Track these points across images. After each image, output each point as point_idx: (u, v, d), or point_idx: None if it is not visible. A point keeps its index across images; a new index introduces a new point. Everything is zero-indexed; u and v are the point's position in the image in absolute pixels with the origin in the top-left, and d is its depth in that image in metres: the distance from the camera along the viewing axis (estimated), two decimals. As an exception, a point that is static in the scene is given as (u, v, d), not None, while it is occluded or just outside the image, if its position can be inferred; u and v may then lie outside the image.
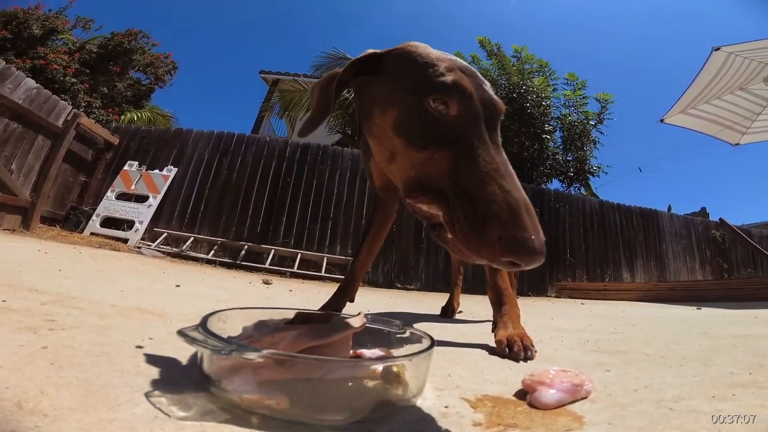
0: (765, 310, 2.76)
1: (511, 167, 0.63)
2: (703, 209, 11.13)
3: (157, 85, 11.06)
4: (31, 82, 4.87)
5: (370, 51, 0.85)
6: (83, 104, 8.30)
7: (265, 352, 0.52)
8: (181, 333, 0.56)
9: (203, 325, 0.60)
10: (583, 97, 8.89)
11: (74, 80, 8.58)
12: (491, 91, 0.75)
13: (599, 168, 8.85)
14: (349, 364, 0.58)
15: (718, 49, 5.35)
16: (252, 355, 0.52)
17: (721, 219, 7.51)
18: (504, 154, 0.65)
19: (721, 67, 5.57)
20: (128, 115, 9.42)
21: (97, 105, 8.82)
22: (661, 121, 6.58)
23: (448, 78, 0.69)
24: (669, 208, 9.28)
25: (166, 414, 0.49)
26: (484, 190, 0.57)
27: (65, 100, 5.86)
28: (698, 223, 8.51)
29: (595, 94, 9.00)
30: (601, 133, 8.94)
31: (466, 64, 0.78)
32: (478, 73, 0.79)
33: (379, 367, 0.60)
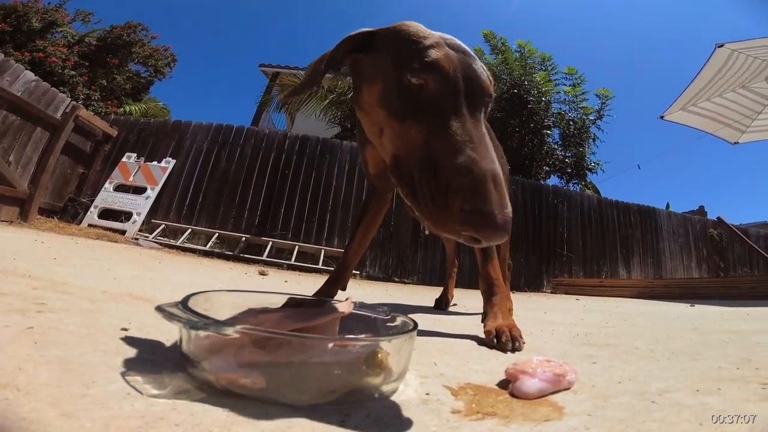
0: (758, 308, 2.77)
1: (488, 140, 0.61)
2: (702, 208, 11.13)
3: (156, 77, 11.07)
4: (29, 75, 4.86)
5: (364, 29, 0.86)
6: (82, 97, 8.30)
7: (240, 327, 0.52)
8: (159, 308, 0.56)
9: (184, 303, 0.60)
10: (582, 93, 8.86)
11: (73, 73, 8.59)
12: (481, 71, 0.74)
13: (597, 164, 8.84)
14: (326, 342, 0.58)
15: (721, 45, 5.31)
16: (228, 330, 0.52)
17: (719, 218, 7.52)
18: (484, 129, 0.64)
19: (723, 65, 5.54)
20: (126, 108, 9.39)
21: (96, 97, 8.83)
22: (661, 117, 6.56)
23: (431, 54, 0.68)
24: (667, 206, 9.29)
25: (139, 391, 0.50)
26: (450, 161, 0.56)
27: (64, 92, 5.85)
28: (696, 221, 8.52)
29: (595, 90, 8.95)
30: (600, 129, 8.91)
31: (458, 42, 0.77)
32: (472, 52, 0.78)
33: (360, 350, 0.60)
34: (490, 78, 0.77)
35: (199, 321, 0.53)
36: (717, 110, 6.40)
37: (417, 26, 0.79)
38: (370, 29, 0.85)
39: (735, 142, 6.81)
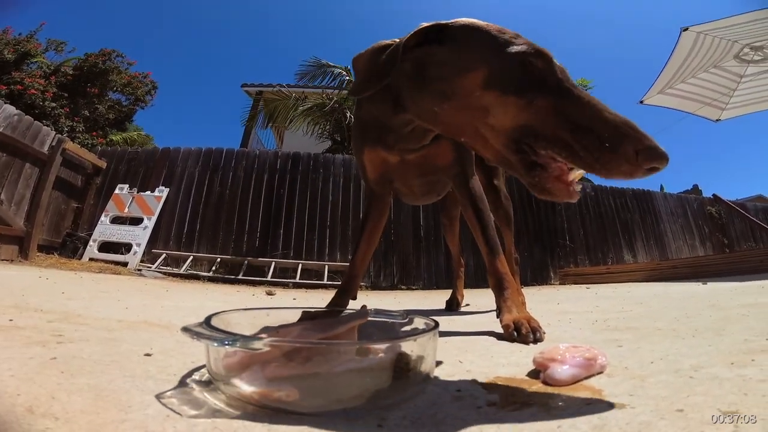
0: (771, 280, 2.77)
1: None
2: (696, 186, 11.22)
3: (137, 105, 10.92)
4: (11, 109, 4.76)
5: (432, 22, 0.88)
6: (66, 129, 8.20)
7: (269, 340, 0.52)
8: (186, 329, 0.55)
9: (207, 322, 0.59)
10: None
11: (54, 104, 8.45)
12: None
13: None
14: (353, 349, 0.57)
15: (686, 29, 5.42)
16: (257, 345, 0.51)
17: (715, 195, 7.54)
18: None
19: (692, 47, 5.65)
20: (112, 137, 9.32)
21: (81, 129, 8.71)
22: (641, 102, 6.63)
23: (525, 42, 0.77)
24: (661, 188, 9.32)
25: (178, 413, 0.49)
26: (602, 120, 0.64)
27: (47, 125, 5.80)
28: (693, 200, 8.55)
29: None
30: None
31: None
32: None
33: (386, 354, 0.59)
34: None
35: (226, 338, 0.53)
36: (694, 90, 6.51)
37: (486, 22, 0.84)
38: (439, 22, 0.87)
39: (717, 119, 6.90)
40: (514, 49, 0.75)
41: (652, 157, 0.61)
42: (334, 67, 8.70)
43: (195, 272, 5.23)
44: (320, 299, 2.97)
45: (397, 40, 0.91)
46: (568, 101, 0.69)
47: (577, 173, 0.71)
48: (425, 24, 0.88)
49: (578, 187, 0.73)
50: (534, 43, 0.77)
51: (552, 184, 0.71)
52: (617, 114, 0.65)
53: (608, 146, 0.62)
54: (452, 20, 0.88)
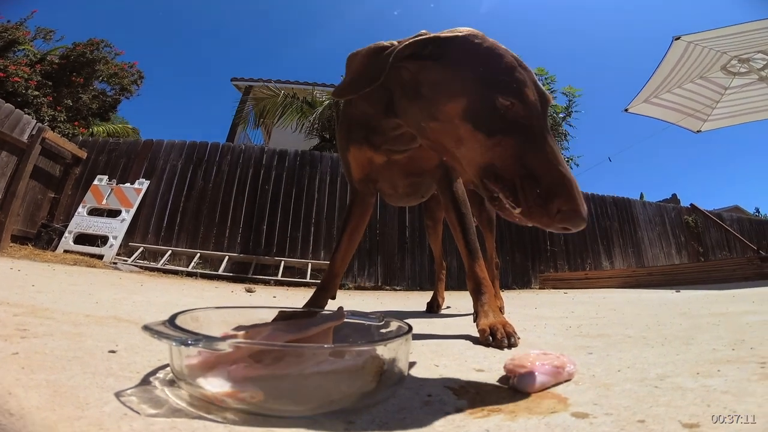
0: (743, 290, 2.84)
1: (559, 150, 0.74)
2: (674, 196, 11.47)
3: (123, 95, 10.70)
4: (-10, 97, 4.67)
5: (431, 35, 0.86)
6: (47, 118, 7.98)
7: (233, 341, 0.51)
8: (146, 328, 0.54)
9: (171, 321, 0.58)
10: (552, 91, 9.05)
11: (37, 93, 8.24)
12: (540, 84, 0.81)
13: (571, 159, 9.03)
14: (322, 351, 0.57)
15: (678, 38, 5.51)
16: (221, 345, 0.50)
17: (692, 205, 7.75)
18: (554, 138, 0.76)
19: (681, 56, 5.74)
20: (94, 128, 9.13)
21: (62, 118, 8.49)
22: (626, 110, 6.75)
23: (517, 77, 0.77)
24: (641, 197, 9.50)
25: (136, 411, 0.48)
26: (547, 173, 0.70)
27: (28, 114, 5.65)
28: (671, 209, 8.73)
29: (562, 88, 9.17)
30: (571, 125, 9.11)
31: (520, 58, 0.82)
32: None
33: (358, 357, 0.59)
34: None
35: (188, 337, 0.51)
36: (678, 101, 6.64)
37: (487, 39, 0.83)
38: (439, 35, 0.85)
39: (698, 131, 7.06)
40: (497, 87, 0.75)
41: (568, 219, 0.68)
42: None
43: (173, 267, 5.15)
44: (301, 297, 2.95)
45: (396, 43, 0.89)
46: (529, 149, 0.72)
47: None
48: (423, 36, 0.86)
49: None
50: (527, 82, 0.77)
51: (507, 214, 0.76)
52: (565, 170, 0.71)
53: (541, 199, 0.69)
54: (452, 32, 0.86)
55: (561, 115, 9.01)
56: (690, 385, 0.66)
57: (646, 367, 0.79)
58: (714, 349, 0.94)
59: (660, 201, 9.62)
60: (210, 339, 0.51)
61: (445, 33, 0.86)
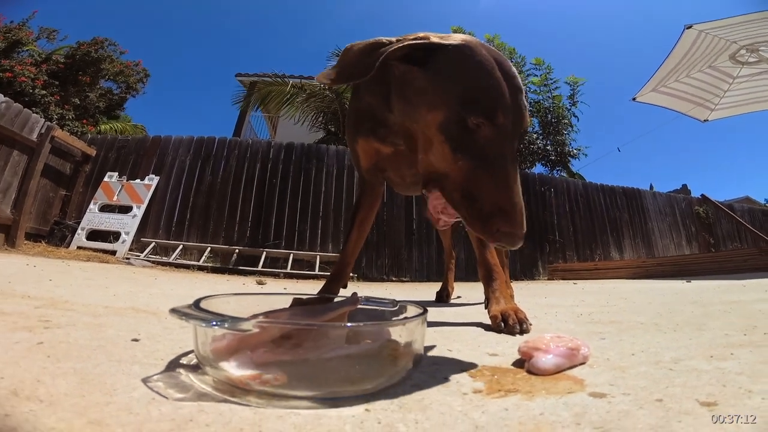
0: (754, 280, 2.82)
1: (517, 175, 0.79)
2: (685, 186, 11.36)
3: (129, 93, 10.78)
4: (-1, 96, 4.69)
5: (423, 41, 0.85)
6: (56, 117, 8.06)
7: (258, 321, 0.53)
8: (174, 310, 0.55)
9: (196, 304, 0.59)
10: (554, 80, 8.98)
11: (44, 92, 8.31)
12: (523, 102, 0.82)
13: (579, 150, 8.97)
14: (342, 332, 0.58)
15: (690, 27, 5.43)
16: (246, 326, 0.52)
17: (703, 195, 7.66)
18: (516, 163, 0.80)
19: (692, 45, 5.66)
20: (101, 126, 9.21)
21: (71, 117, 8.57)
22: (634, 99, 6.67)
23: (495, 97, 0.78)
24: (651, 187, 9.42)
25: (164, 396, 0.49)
26: (494, 195, 0.75)
27: (37, 113, 5.70)
28: (681, 200, 8.65)
29: (565, 78, 9.10)
30: (575, 116, 9.04)
31: (509, 67, 0.83)
32: (517, 77, 0.84)
33: (374, 340, 0.60)
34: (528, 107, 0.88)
35: (215, 319, 0.53)
36: (686, 90, 6.55)
37: (480, 52, 0.82)
38: (432, 41, 0.85)
39: (705, 120, 6.97)
40: (472, 106, 0.77)
41: (505, 239, 0.74)
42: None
43: (185, 261, 5.20)
44: (311, 289, 2.97)
45: (394, 41, 0.89)
46: (485, 170, 0.76)
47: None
48: (415, 41, 0.86)
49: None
50: (503, 103, 0.78)
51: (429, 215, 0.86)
52: (513, 194, 0.75)
53: (483, 216, 0.75)
54: (446, 40, 0.86)
55: (566, 105, 8.94)
56: (705, 367, 0.66)
57: (660, 351, 0.79)
58: (726, 335, 0.94)
59: (670, 191, 9.53)
60: (236, 320, 0.53)
61: (439, 39, 0.86)
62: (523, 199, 0.77)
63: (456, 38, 0.86)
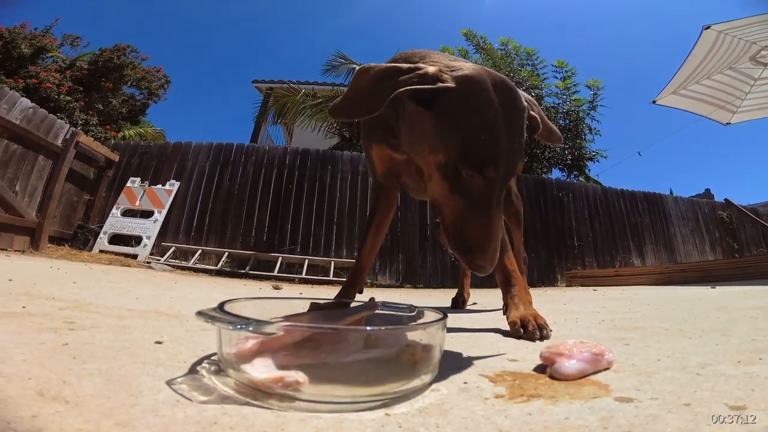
0: (780, 285, 2.73)
1: (500, 217, 0.89)
2: (708, 191, 11.08)
3: (151, 99, 10.97)
4: (26, 102, 4.83)
5: (434, 84, 0.87)
6: (80, 122, 8.24)
7: (282, 324, 0.53)
8: (200, 313, 0.56)
9: (221, 307, 0.60)
10: (574, 84, 8.87)
11: (69, 98, 8.50)
12: (519, 147, 0.88)
13: (597, 152, 8.83)
14: (362, 336, 0.58)
15: (708, 27, 5.32)
16: (270, 329, 0.52)
17: (726, 200, 7.46)
18: (500, 207, 0.90)
19: (711, 47, 5.55)
20: (125, 132, 9.42)
21: (94, 122, 8.77)
22: (654, 102, 6.55)
23: (485, 158, 0.84)
24: (670, 192, 9.22)
25: (188, 398, 0.50)
26: (476, 235, 0.86)
27: (62, 118, 5.85)
28: (704, 204, 8.44)
29: (585, 81, 8.97)
30: (594, 119, 8.90)
31: (513, 102, 0.88)
32: (523, 108, 0.89)
33: (394, 344, 0.60)
34: (530, 117, 0.95)
35: (240, 321, 0.54)
36: (707, 92, 6.41)
37: (482, 95, 0.85)
38: (440, 85, 0.87)
39: (727, 123, 6.80)
40: (467, 158, 0.84)
41: (475, 268, 0.85)
42: (356, 64, 8.70)
43: (203, 266, 5.27)
44: (326, 294, 2.98)
45: (412, 66, 0.91)
46: (472, 212, 0.86)
47: None
48: (424, 75, 0.88)
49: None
50: (496, 159, 0.84)
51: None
52: (490, 235, 0.85)
53: (466, 248, 0.86)
54: (454, 71, 0.88)
55: (585, 108, 8.82)
56: (732, 372, 0.64)
57: (686, 357, 0.77)
58: (753, 340, 0.92)
59: (693, 196, 9.30)
60: (260, 323, 0.53)
61: (448, 74, 0.88)
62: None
63: (463, 72, 0.88)
